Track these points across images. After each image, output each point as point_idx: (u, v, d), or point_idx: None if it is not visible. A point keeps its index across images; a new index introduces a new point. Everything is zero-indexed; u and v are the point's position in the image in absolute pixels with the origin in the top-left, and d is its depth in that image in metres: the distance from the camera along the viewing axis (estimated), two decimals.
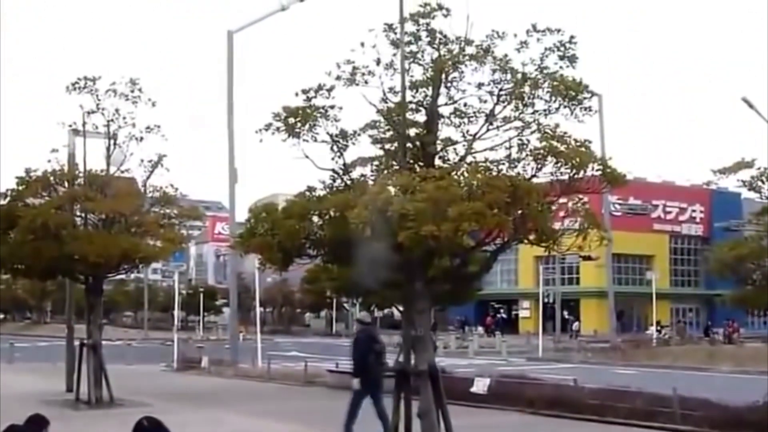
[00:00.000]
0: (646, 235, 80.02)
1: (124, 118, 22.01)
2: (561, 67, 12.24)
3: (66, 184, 22.62)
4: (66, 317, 30.52)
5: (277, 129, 12.70)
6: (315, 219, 12.62)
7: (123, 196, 21.72)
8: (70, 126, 23.13)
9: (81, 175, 23.11)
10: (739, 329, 65.18)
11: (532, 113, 12.27)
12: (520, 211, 11.89)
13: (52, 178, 22.34)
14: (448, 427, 12.12)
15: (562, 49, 12.15)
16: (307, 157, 12.83)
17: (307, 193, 12.96)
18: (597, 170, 12.26)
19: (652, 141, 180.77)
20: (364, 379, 15.84)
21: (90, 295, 22.38)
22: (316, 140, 12.79)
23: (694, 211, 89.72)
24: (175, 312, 46.59)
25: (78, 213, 22.27)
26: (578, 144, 11.91)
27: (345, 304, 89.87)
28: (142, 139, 22.11)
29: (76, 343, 23.52)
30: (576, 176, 12.06)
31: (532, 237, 12.36)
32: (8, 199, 22.25)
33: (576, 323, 69.71)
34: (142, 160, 22.44)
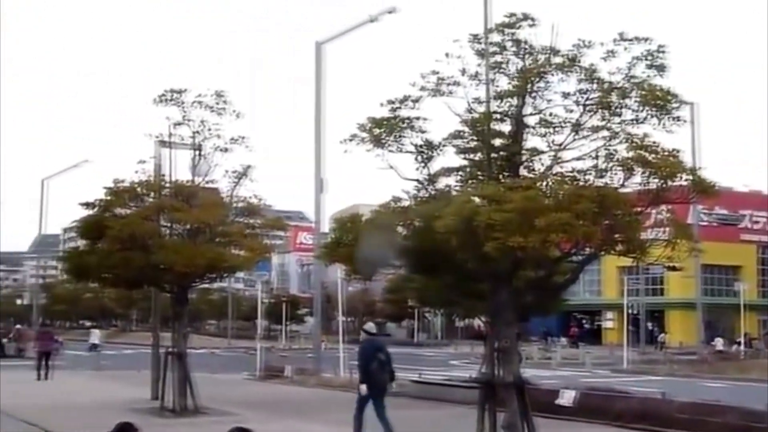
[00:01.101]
0: (733, 246, 78.51)
1: (210, 129, 22.24)
2: (650, 76, 12.07)
3: (153, 195, 22.93)
4: (152, 325, 30.96)
5: (362, 140, 12.74)
6: (400, 229, 12.60)
7: (208, 206, 21.92)
8: (157, 137, 23.43)
9: (167, 185, 23.40)
10: None
11: (620, 123, 12.11)
12: (607, 222, 11.74)
13: (139, 189, 22.67)
14: None
15: (650, 58, 11.98)
16: (391, 167, 12.85)
17: (392, 204, 12.95)
18: (686, 180, 12.04)
19: (739, 149, 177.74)
20: (368, 384, 16.80)
21: (175, 304, 22.65)
22: (401, 151, 12.80)
23: None
24: (259, 321, 47.08)
25: (164, 223, 22.54)
26: (667, 153, 11.72)
27: (427, 314, 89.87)
28: (227, 150, 22.32)
29: (162, 351, 23.80)
30: (665, 186, 11.86)
31: (619, 248, 12.19)
32: (97, 209, 22.62)
33: (662, 335, 68.60)
34: (227, 171, 22.66)
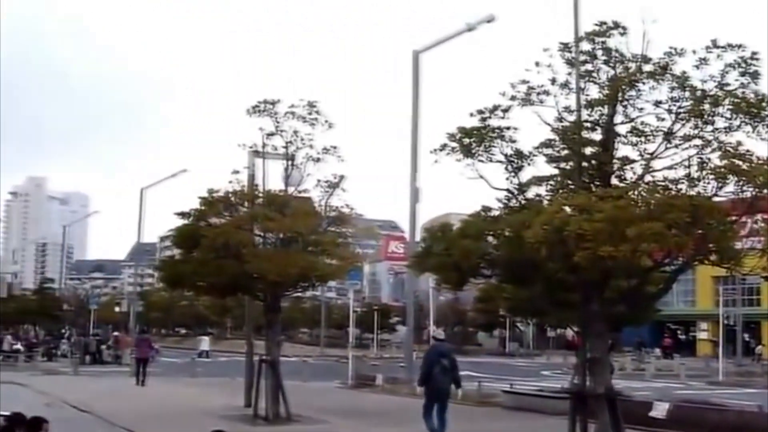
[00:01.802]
0: None
1: (302, 139, 22.50)
2: (743, 84, 11.90)
3: (246, 204, 23.25)
4: (245, 333, 31.34)
5: (453, 149, 12.80)
6: (490, 239, 12.63)
7: (301, 216, 22.14)
8: (251, 148, 23.78)
9: (261, 195, 23.71)
10: None
11: (713, 131, 11.97)
12: (700, 231, 11.59)
13: (233, 199, 22.99)
14: None
15: (743, 65, 11.81)
16: (481, 177, 12.89)
17: (483, 213, 12.99)
18: None
19: None
20: (428, 388, 17.43)
21: (269, 312, 22.91)
22: (491, 160, 12.83)
23: None
24: (350, 329, 47.22)
25: (257, 232, 22.84)
26: (762, 161, 11.52)
27: (518, 324, 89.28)
28: (319, 159, 22.55)
29: (255, 359, 24.07)
30: (759, 195, 11.67)
31: (713, 257, 12.03)
32: (192, 219, 23.03)
33: (759, 346, 67.03)
34: (319, 181, 22.87)
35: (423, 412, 17.87)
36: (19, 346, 56.64)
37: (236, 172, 23.42)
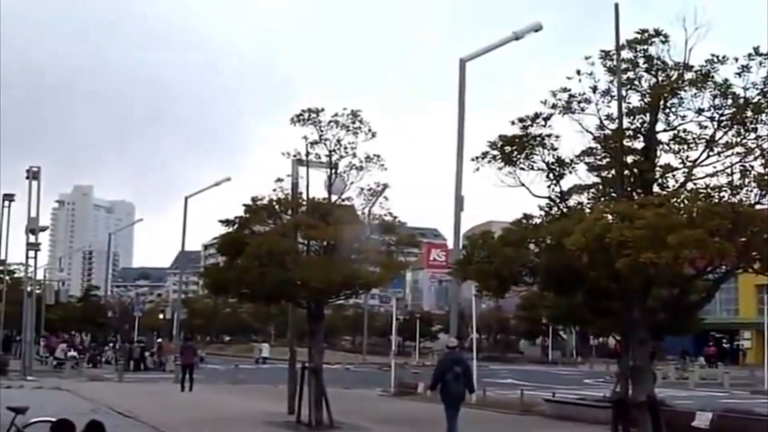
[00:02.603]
0: None
1: (346, 148, 22.64)
2: None
3: (290, 212, 23.43)
4: (288, 340, 31.52)
5: (494, 157, 12.87)
6: (531, 246, 12.67)
7: (344, 223, 22.25)
8: (295, 156, 23.95)
9: (304, 203, 23.87)
10: None
11: (755, 138, 11.95)
12: (743, 239, 11.57)
13: (276, 207, 23.17)
14: None
15: None
16: (522, 184, 12.94)
17: (524, 221, 13.04)
18: None
19: None
20: (444, 395, 18.00)
21: (311, 320, 23.04)
22: (532, 168, 12.89)
23: None
24: (393, 337, 47.25)
25: (301, 240, 22.99)
26: None
27: (561, 332, 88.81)
28: (362, 168, 22.67)
29: (298, 366, 24.20)
30: None
31: (756, 266, 11.99)
32: (236, 226, 23.25)
33: None
34: (362, 189, 23.00)
35: (447, 421, 18.25)
36: (74, 353, 57.27)
37: (280, 180, 23.63)
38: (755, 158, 11.80)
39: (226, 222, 23.43)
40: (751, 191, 11.79)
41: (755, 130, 11.93)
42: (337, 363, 59.27)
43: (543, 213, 13.06)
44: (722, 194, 11.80)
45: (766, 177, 11.61)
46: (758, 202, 11.80)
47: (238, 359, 65.51)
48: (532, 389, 34.69)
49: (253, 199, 23.13)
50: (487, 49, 34.80)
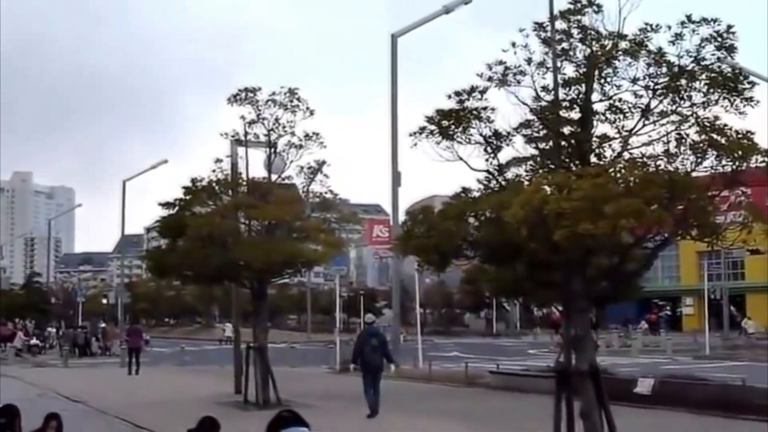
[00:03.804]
0: None
1: (284, 127, 22.54)
2: (719, 58, 11.94)
3: (230, 193, 23.30)
4: (233, 321, 31.45)
5: (431, 132, 12.80)
6: (471, 220, 12.63)
7: (285, 203, 22.20)
8: (233, 136, 23.81)
9: (244, 183, 23.77)
10: None
11: (690, 106, 11.99)
12: (680, 207, 11.65)
13: (216, 187, 23.05)
14: (612, 428, 11.97)
15: (719, 39, 11.84)
16: (461, 158, 12.90)
17: (463, 195, 12.99)
18: (761, 162, 11.88)
19: None
20: (363, 366, 20.25)
21: (255, 300, 22.99)
22: (470, 142, 12.83)
23: None
24: (337, 314, 47.36)
25: (242, 220, 22.90)
26: (740, 136, 11.57)
27: (505, 304, 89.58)
28: (301, 146, 22.60)
29: (243, 346, 24.17)
30: (738, 169, 11.73)
31: (693, 232, 12.08)
32: (176, 208, 23.06)
33: (745, 320, 67.44)
34: (301, 167, 22.93)
35: (363, 389, 20.13)
36: (36, 341, 56.89)
37: (219, 160, 23.52)
38: (690, 126, 11.84)
39: (166, 204, 23.27)
40: (687, 159, 11.83)
41: (690, 98, 11.97)
42: (282, 342, 59.30)
43: (482, 186, 13.02)
44: (658, 163, 11.84)
45: (701, 145, 11.67)
46: (694, 170, 11.86)
47: (183, 341, 65.16)
48: (477, 362, 35.00)
49: (193, 181, 22.97)
50: (418, 24, 34.81)
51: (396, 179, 35.30)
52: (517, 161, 13.02)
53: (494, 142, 12.87)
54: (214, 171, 23.10)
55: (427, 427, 18.27)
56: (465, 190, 12.99)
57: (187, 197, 22.92)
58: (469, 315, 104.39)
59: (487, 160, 12.99)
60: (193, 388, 27.02)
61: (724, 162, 11.74)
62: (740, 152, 11.56)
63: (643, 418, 17.96)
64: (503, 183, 12.87)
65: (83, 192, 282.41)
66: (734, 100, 11.92)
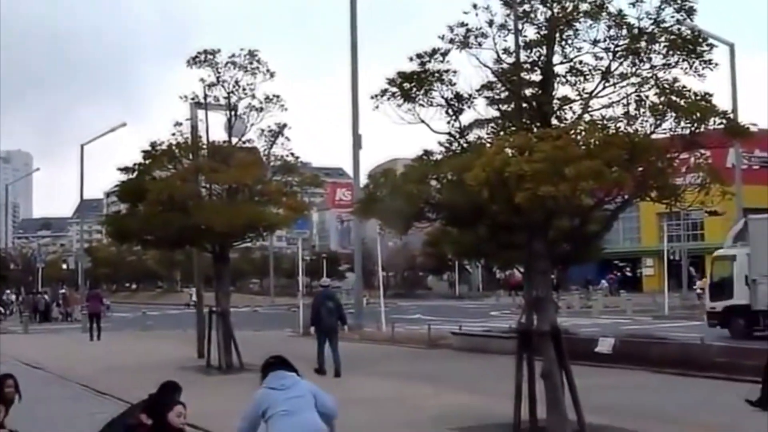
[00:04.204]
0: None
1: (244, 89, 22.39)
2: (678, 20, 11.99)
3: (190, 157, 23.15)
4: (195, 286, 31.37)
5: (393, 94, 12.78)
6: (433, 183, 12.66)
7: (246, 166, 22.10)
8: (192, 99, 23.62)
9: (204, 146, 23.63)
10: None
11: (650, 69, 12.05)
12: (640, 168, 11.73)
13: (176, 151, 22.88)
14: (572, 387, 12.11)
15: (678, 1, 11.88)
16: (422, 121, 12.89)
17: (425, 158, 13.00)
18: (719, 124, 11.97)
19: None
20: (318, 328, 21.00)
21: (217, 264, 22.93)
22: (432, 104, 12.83)
23: None
24: (300, 278, 47.31)
25: (203, 184, 22.77)
26: (698, 98, 11.66)
27: (467, 267, 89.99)
28: (261, 109, 22.47)
29: (206, 310, 24.13)
30: (697, 130, 11.82)
31: (653, 194, 12.19)
32: (136, 173, 22.89)
33: (701, 280, 68.22)
34: (262, 130, 22.82)
35: (317, 351, 20.79)
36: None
37: (178, 124, 23.33)
38: (650, 88, 11.91)
39: (125, 169, 23.10)
40: (647, 121, 11.90)
41: (649, 60, 12.02)
42: (245, 306, 59.31)
43: (443, 149, 13.03)
44: (619, 125, 11.90)
45: (660, 107, 11.74)
46: (653, 132, 11.94)
47: (146, 306, 64.92)
48: (440, 324, 35.19)
49: (152, 145, 22.79)
50: None
51: (357, 142, 35.26)
52: (479, 123, 13.04)
53: (456, 104, 12.88)
54: (173, 134, 22.95)
55: (390, 388, 18.37)
56: (427, 152, 13.01)
57: (147, 161, 22.76)
58: (431, 278, 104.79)
59: (448, 122, 13.00)
60: (155, 353, 26.96)
61: (683, 124, 11.83)
62: (699, 114, 11.65)
63: (603, 377, 18.18)
64: (465, 145, 12.89)
65: (41, 156, 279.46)
66: (693, 62, 12.00)
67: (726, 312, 29.90)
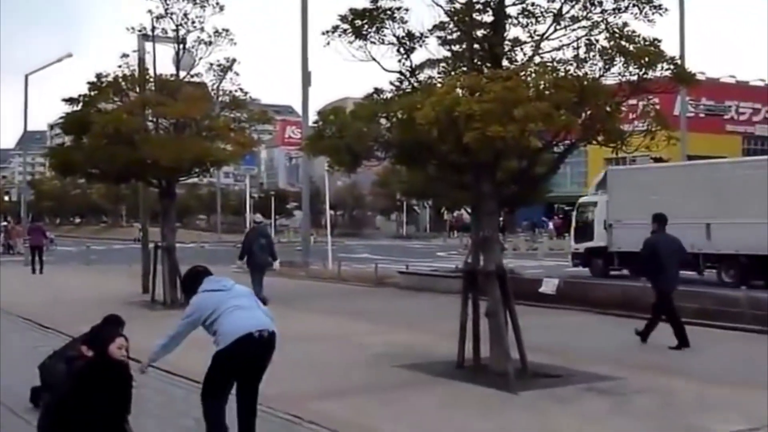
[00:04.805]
0: (718, 137, 78.64)
1: (193, 22, 22.08)
2: None
3: (137, 89, 22.87)
4: (140, 221, 31.18)
5: (344, 31, 12.68)
6: (383, 121, 12.63)
7: (193, 100, 21.88)
8: (140, 31, 23.27)
9: (151, 80, 23.34)
10: None
11: (601, 13, 12.07)
12: (588, 112, 11.80)
13: (123, 84, 22.59)
14: (516, 326, 12.27)
15: None
16: (374, 59, 12.83)
17: (375, 96, 12.96)
18: (667, 70, 12.06)
19: (726, 39, 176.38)
20: (251, 263, 22.19)
21: (163, 199, 22.79)
22: (383, 42, 12.76)
23: None
24: (247, 215, 47.21)
25: (149, 118, 22.53)
26: (647, 43, 11.72)
27: (415, 207, 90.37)
28: (210, 43, 22.20)
29: (151, 246, 24.02)
30: (645, 76, 11.90)
31: (600, 138, 12.28)
32: (81, 105, 22.56)
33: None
34: (211, 65, 22.59)
35: (252, 287, 20.57)
36: None
37: (125, 56, 23.01)
38: (600, 32, 11.94)
39: (71, 100, 22.75)
40: (596, 65, 11.95)
41: (600, 4, 12.03)
42: (192, 242, 59.12)
43: (394, 88, 12.99)
44: (568, 68, 11.93)
45: (610, 51, 11.78)
46: (603, 76, 11.99)
47: (90, 241, 64.46)
48: (387, 263, 35.34)
49: (98, 76, 22.46)
50: None
51: (306, 79, 35.06)
52: (431, 63, 13.01)
53: (407, 43, 12.82)
54: (120, 67, 22.64)
55: (334, 325, 18.48)
56: (377, 91, 12.97)
57: (93, 93, 22.43)
58: (380, 218, 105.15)
59: (399, 61, 12.96)
60: (99, 288, 26.83)
61: (631, 69, 11.90)
62: (647, 59, 11.72)
63: (546, 316, 18.43)
64: (416, 85, 12.86)
65: None
66: (643, 7, 12.04)
67: (587, 253, 32.79)
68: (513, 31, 12.49)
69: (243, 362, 7.78)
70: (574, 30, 12.14)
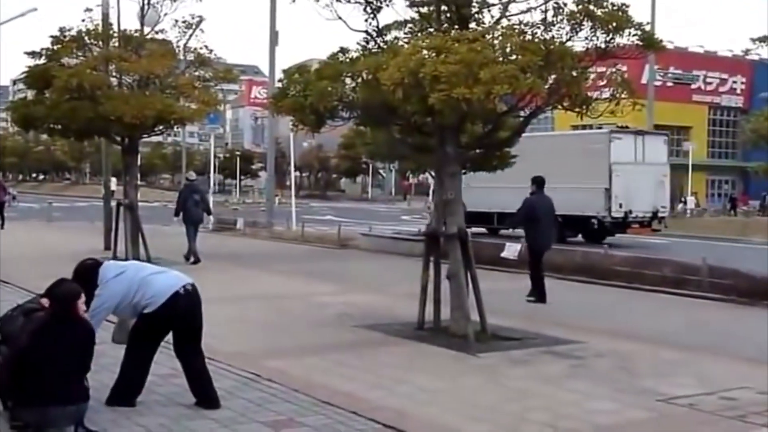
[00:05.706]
0: (685, 106, 79.15)
1: None
2: None
3: (101, 45, 22.59)
4: (103, 178, 30.94)
5: None
6: (348, 81, 12.52)
7: (157, 57, 21.67)
8: None
9: (115, 35, 23.06)
10: None
11: None
12: (554, 76, 11.77)
13: (86, 38, 22.29)
14: (476, 289, 12.30)
15: None
16: (340, 18, 12.73)
17: (340, 55, 12.85)
18: (634, 35, 12.05)
19: (695, 9, 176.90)
20: (186, 218, 22.71)
21: (126, 156, 22.59)
22: (350, 1, 12.66)
23: (735, 82, 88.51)
24: (211, 175, 46.93)
25: (113, 74, 22.29)
26: (615, 8, 11.70)
27: (380, 170, 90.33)
28: None
29: (114, 203, 23.87)
30: (612, 41, 11.88)
31: (565, 103, 12.25)
32: (43, 59, 22.27)
33: None
34: (176, 21, 22.38)
35: (188, 242, 22.50)
36: None
37: (89, 10, 22.69)
38: None
39: (33, 54, 22.44)
40: (563, 29, 11.90)
41: None
42: (155, 201, 58.78)
43: (360, 47, 12.90)
44: (536, 31, 11.87)
45: (577, 15, 11.73)
46: (570, 40, 11.95)
47: (52, 197, 63.84)
48: (351, 225, 35.37)
49: (61, 30, 22.14)
50: None
51: (274, 38, 34.84)
52: (398, 25, 12.92)
53: (374, 2, 12.73)
54: (83, 21, 22.32)
55: (295, 285, 18.44)
56: (343, 50, 12.86)
57: (56, 47, 22.11)
58: (345, 180, 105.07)
59: (366, 20, 12.86)
60: (61, 244, 26.62)
61: (599, 34, 11.87)
62: (615, 24, 11.70)
63: (507, 281, 18.52)
64: (382, 45, 12.78)
65: None
66: None
67: None
68: None
69: (177, 318, 7.92)
70: None
